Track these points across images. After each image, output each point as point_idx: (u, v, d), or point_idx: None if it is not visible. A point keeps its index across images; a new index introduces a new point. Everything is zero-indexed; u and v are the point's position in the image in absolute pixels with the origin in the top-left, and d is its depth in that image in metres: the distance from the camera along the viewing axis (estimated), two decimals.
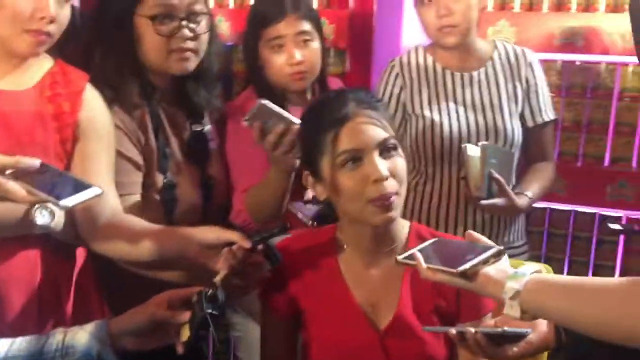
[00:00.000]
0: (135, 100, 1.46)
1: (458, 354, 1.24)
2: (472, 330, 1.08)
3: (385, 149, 1.18)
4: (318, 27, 1.68)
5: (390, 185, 1.16)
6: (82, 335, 1.04)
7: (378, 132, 1.18)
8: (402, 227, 1.28)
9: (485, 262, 1.03)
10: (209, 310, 1.04)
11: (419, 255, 1.07)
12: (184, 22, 1.43)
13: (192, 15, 1.45)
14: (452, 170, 1.76)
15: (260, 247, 1.17)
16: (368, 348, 1.22)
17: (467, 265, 1.01)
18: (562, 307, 0.95)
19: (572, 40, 2.02)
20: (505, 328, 1.08)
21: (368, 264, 1.26)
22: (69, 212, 1.18)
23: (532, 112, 1.81)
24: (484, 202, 1.63)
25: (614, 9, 1.97)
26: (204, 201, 1.55)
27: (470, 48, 1.78)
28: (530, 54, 1.82)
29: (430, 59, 1.81)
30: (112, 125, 1.40)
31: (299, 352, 1.33)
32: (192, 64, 1.48)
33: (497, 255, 1.04)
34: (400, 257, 1.11)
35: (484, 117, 1.76)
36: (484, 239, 1.09)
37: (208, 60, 1.54)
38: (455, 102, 1.77)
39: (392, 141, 1.19)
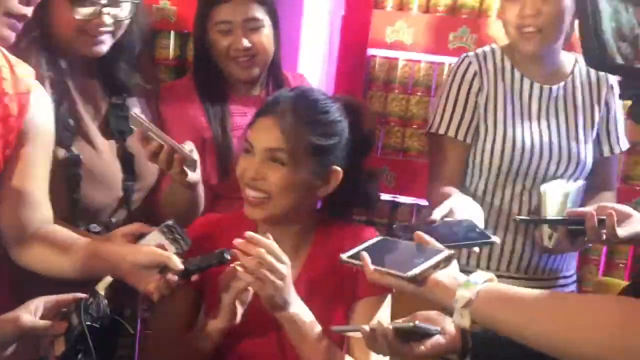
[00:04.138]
0: (39, 71, 1.33)
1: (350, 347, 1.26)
2: (383, 324, 1.07)
3: (272, 157, 1.21)
4: (271, 13, 1.61)
5: (254, 188, 1.21)
6: None
7: (270, 138, 1.21)
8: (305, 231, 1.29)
9: (435, 266, 0.99)
10: (88, 323, 0.95)
11: (366, 256, 1.04)
12: (105, 9, 1.35)
13: (114, 2, 1.36)
14: (507, 191, 1.60)
15: (195, 276, 1.15)
16: (264, 324, 1.22)
17: (417, 270, 0.98)
18: (514, 320, 0.91)
19: (465, 45, 2.07)
20: (417, 323, 1.06)
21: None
22: None
23: (609, 140, 1.66)
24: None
25: None
26: (125, 176, 1.46)
27: (553, 58, 1.60)
28: (611, 75, 1.61)
29: (508, 63, 1.62)
30: (53, 126, 1.29)
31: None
32: (105, 47, 1.40)
33: (447, 260, 1.01)
34: (344, 256, 1.08)
35: (559, 139, 1.59)
36: (433, 241, 1.06)
37: (128, 38, 1.45)
38: (530, 116, 1.60)
39: (280, 154, 1.20)
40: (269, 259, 1.11)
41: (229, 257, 1.13)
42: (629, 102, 0.91)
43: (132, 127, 1.35)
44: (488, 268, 1.62)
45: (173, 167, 1.30)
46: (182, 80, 1.71)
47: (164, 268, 1.12)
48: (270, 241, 1.14)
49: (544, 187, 1.53)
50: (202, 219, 1.38)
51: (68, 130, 1.37)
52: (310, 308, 1.21)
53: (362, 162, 1.32)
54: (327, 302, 1.26)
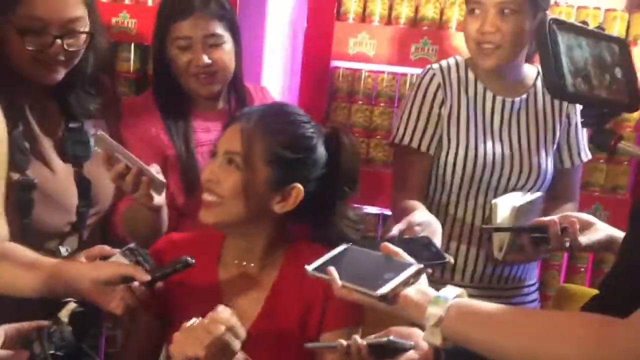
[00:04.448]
0: None
1: None
2: (358, 339, 1.05)
3: (229, 160, 1.20)
4: (232, 28, 1.59)
5: (209, 190, 1.20)
6: None
7: (230, 142, 1.20)
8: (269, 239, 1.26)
9: (405, 282, 0.97)
10: (52, 352, 0.93)
11: (333, 271, 1.01)
12: (57, 41, 1.33)
13: (68, 34, 1.34)
14: (469, 202, 1.62)
15: (159, 283, 1.12)
16: None
17: (387, 288, 0.95)
18: (485, 336, 0.91)
19: (426, 56, 2.09)
20: (391, 338, 1.06)
21: (243, 273, 1.25)
22: None
23: (570, 152, 1.68)
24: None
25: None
26: (80, 202, 1.43)
27: (515, 71, 1.62)
28: None
29: (471, 75, 1.63)
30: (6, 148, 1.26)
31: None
32: (59, 75, 1.39)
33: (417, 275, 0.99)
34: (310, 268, 1.04)
35: (520, 152, 1.61)
36: (401, 252, 1.04)
37: (85, 65, 1.44)
38: (492, 130, 1.61)
39: (236, 158, 1.19)
40: (226, 339, 1.06)
41: (193, 261, 1.12)
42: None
43: (96, 148, 1.33)
44: (452, 279, 1.64)
45: (140, 189, 1.28)
46: (142, 97, 1.69)
47: (126, 280, 1.11)
48: (230, 317, 1.08)
49: (495, 201, 1.53)
50: (164, 238, 1.35)
51: (23, 153, 1.35)
52: (273, 337, 1.19)
53: (340, 199, 1.28)
54: (293, 338, 1.22)
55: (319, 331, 1.23)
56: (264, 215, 1.23)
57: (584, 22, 1.00)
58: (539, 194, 1.61)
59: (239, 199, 1.18)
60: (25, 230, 1.34)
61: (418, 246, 1.19)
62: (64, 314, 1.01)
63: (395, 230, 1.23)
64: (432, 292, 0.97)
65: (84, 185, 1.44)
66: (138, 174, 1.27)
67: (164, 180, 1.31)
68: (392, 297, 0.96)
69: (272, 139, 1.20)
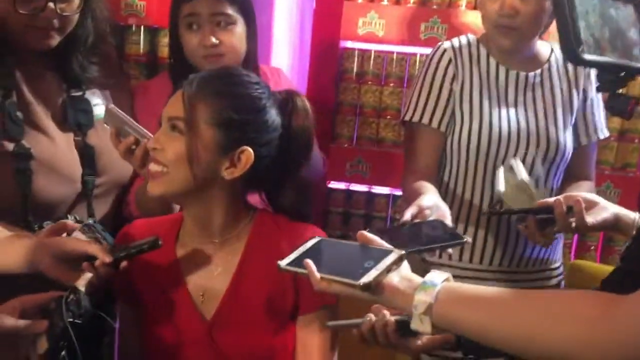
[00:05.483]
0: None
1: (297, 343, 1.22)
2: (387, 314, 1.02)
3: (172, 126, 1.15)
4: (245, 11, 1.56)
5: (154, 160, 1.15)
6: None
7: (173, 108, 1.16)
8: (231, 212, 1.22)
9: (387, 270, 0.92)
10: (70, 319, 0.94)
11: (310, 263, 0.94)
12: (50, 4, 1.31)
13: None
14: (487, 176, 1.59)
15: (124, 263, 1.09)
16: (197, 340, 1.19)
17: (370, 277, 0.90)
18: (478, 320, 0.86)
19: (436, 35, 2.09)
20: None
21: (205, 251, 1.22)
22: None
23: (587, 128, 1.66)
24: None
25: (474, 7, 2.07)
26: (84, 170, 1.42)
27: (530, 48, 1.60)
28: None
29: (483, 51, 1.62)
30: None
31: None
32: (54, 41, 1.38)
33: (399, 261, 0.94)
34: (283, 263, 0.97)
35: (537, 124, 1.58)
36: (377, 240, 0.98)
37: (82, 31, 1.43)
38: (507, 102, 1.59)
39: (178, 123, 1.14)
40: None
41: (160, 242, 1.09)
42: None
43: (105, 123, 1.32)
44: (470, 262, 1.62)
45: (147, 164, 1.25)
46: (158, 78, 1.69)
47: (90, 258, 1.08)
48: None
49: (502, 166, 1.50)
50: (125, 227, 1.29)
51: (16, 123, 1.34)
52: (242, 314, 1.17)
53: (293, 167, 1.22)
54: (262, 316, 1.19)
55: (295, 312, 1.21)
56: (214, 183, 1.16)
57: None
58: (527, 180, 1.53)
59: (183, 165, 1.12)
60: (26, 202, 1.33)
61: (432, 229, 1.18)
62: (81, 283, 1.02)
63: (407, 215, 1.21)
64: (417, 278, 0.92)
65: (87, 153, 1.42)
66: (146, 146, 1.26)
67: None
68: (375, 286, 0.91)
69: (215, 100, 1.13)
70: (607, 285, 1.07)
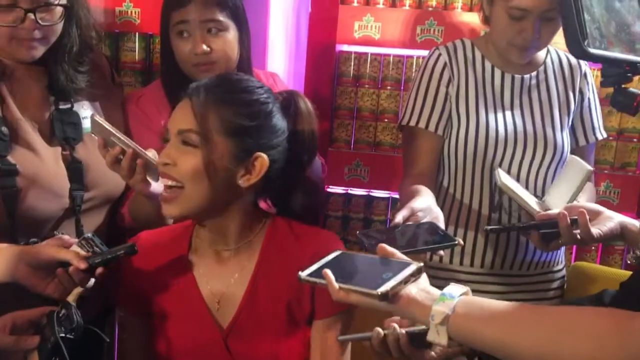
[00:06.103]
0: None
1: (312, 347, 1.21)
2: (397, 328, 1.03)
3: (183, 140, 1.12)
4: (236, 17, 1.54)
5: (167, 175, 1.13)
6: None
7: (182, 120, 1.13)
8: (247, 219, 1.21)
9: (405, 281, 0.93)
10: (62, 334, 0.94)
11: (329, 273, 0.95)
12: (30, 15, 1.29)
13: (40, 7, 1.31)
14: (485, 179, 1.59)
15: (99, 270, 1.08)
16: (212, 348, 1.18)
17: (387, 286, 0.90)
18: (495, 335, 0.86)
19: (432, 37, 2.08)
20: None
21: (220, 258, 1.21)
22: None
23: (584, 129, 1.66)
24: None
25: (470, 8, 2.08)
26: (72, 185, 1.40)
27: None
28: (584, 64, 1.65)
29: (479, 54, 1.62)
30: None
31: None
32: (37, 52, 1.35)
33: (417, 273, 0.95)
34: (303, 274, 0.98)
35: (534, 126, 1.58)
36: (398, 253, 0.99)
37: (68, 41, 1.40)
38: (503, 105, 1.59)
39: (191, 136, 1.11)
40: None
41: (135, 248, 1.08)
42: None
43: (92, 133, 1.30)
44: (472, 266, 1.62)
45: (135, 174, 1.25)
46: (151, 87, 1.67)
47: (64, 265, 1.07)
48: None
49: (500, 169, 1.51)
50: (135, 238, 1.27)
51: (1, 138, 1.32)
52: (261, 321, 1.17)
53: (301, 168, 1.23)
54: (279, 322, 1.19)
55: (310, 317, 1.21)
56: (231, 193, 1.15)
57: None
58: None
59: (201, 180, 1.10)
60: (13, 220, 1.31)
61: (424, 231, 1.18)
62: (72, 297, 1.02)
63: (399, 217, 1.21)
64: (435, 290, 0.93)
65: (75, 168, 1.40)
66: (133, 156, 1.25)
67: None
68: (393, 296, 0.92)
69: (226, 109, 1.12)
70: (626, 288, 1.06)
